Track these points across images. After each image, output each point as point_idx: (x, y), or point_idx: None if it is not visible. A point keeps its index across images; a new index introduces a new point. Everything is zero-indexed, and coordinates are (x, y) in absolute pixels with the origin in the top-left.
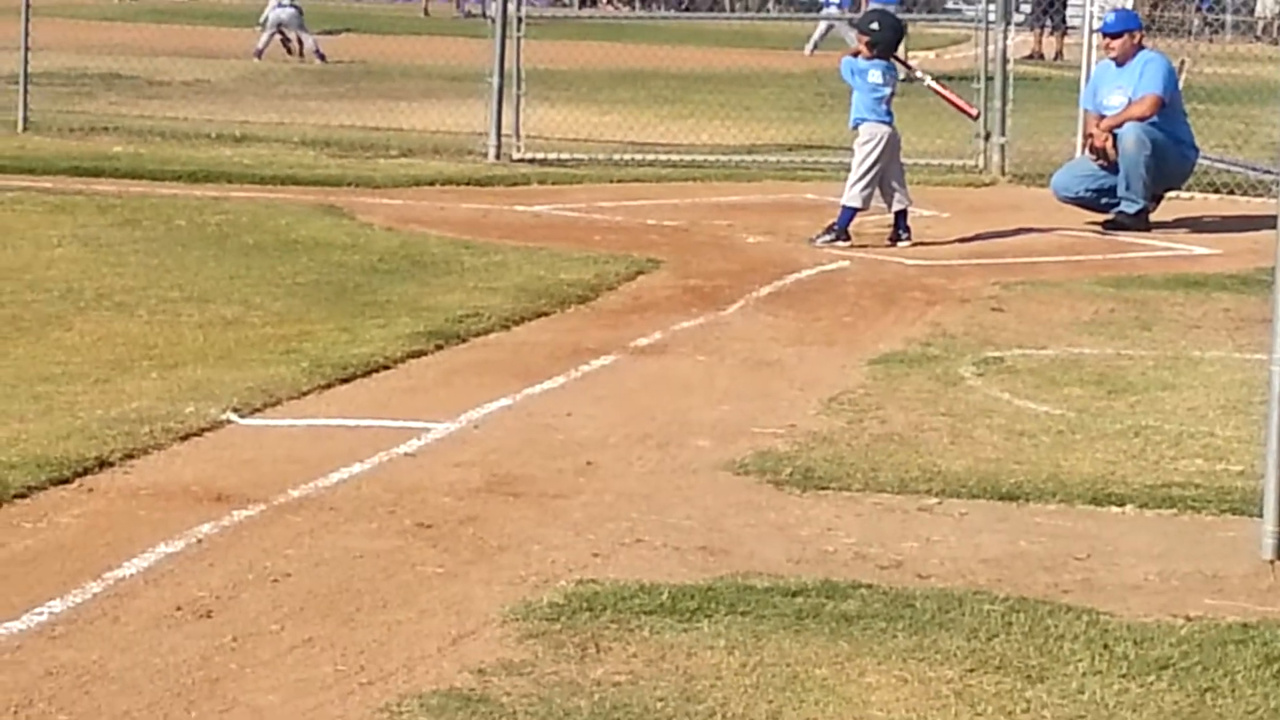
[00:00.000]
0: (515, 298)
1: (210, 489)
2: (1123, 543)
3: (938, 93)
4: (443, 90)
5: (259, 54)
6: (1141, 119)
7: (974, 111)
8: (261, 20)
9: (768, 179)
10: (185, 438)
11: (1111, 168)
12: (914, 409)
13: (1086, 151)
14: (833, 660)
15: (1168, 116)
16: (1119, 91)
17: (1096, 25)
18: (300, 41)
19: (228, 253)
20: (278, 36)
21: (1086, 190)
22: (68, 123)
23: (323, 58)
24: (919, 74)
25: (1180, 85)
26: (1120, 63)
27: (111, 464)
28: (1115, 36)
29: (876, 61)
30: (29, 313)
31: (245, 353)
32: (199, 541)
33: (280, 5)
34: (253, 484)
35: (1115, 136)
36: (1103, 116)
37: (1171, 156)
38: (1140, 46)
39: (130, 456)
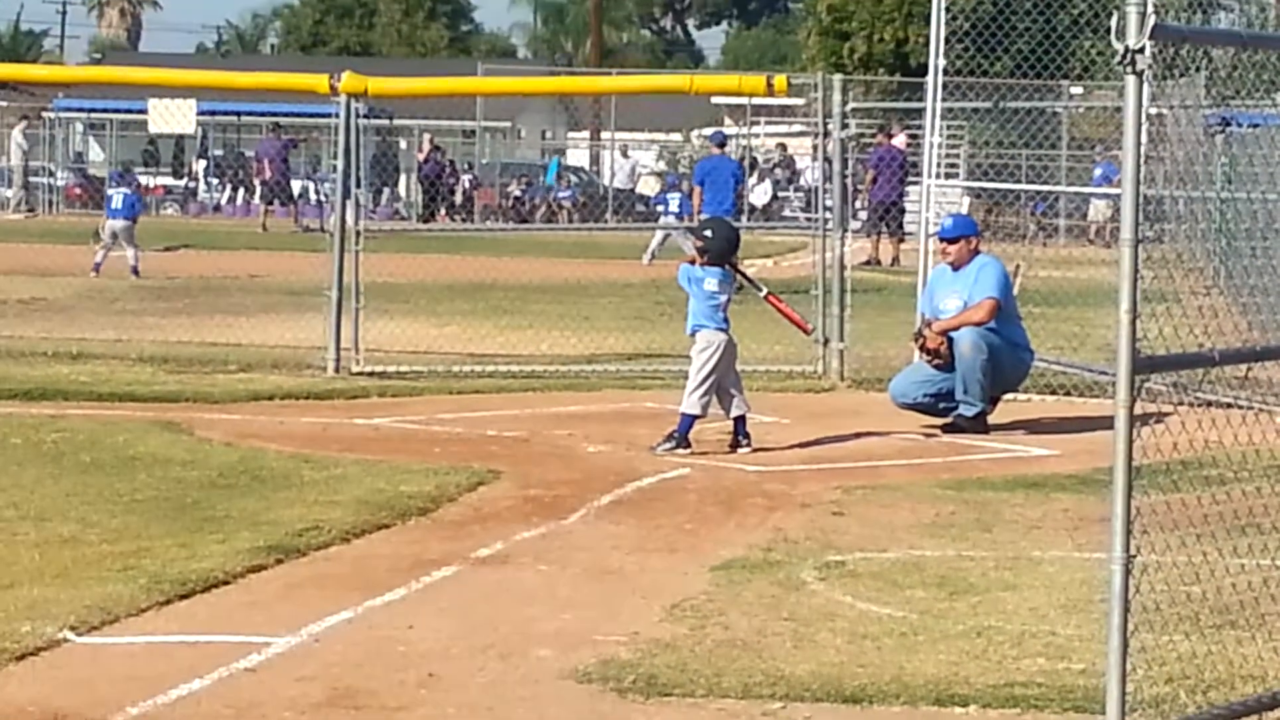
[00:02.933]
0: (356, 511)
1: (47, 709)
2: None
3: (774, 305)
4: (281, 305)
5: (97, 269)
6: (979, 324)
7: (809, 328)
8: (95, 233)
9: (607, 388)
10: (21, 658)
11: (947, 369)
12: (757, 614)
13: (921, 355)
14: None
15: (1003, 320)
16: (954, 295)
17: (933, 231)
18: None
19: (65, 470)
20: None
21: (924, 395)
22: None
23: (136, 273)
24: (757, 284)
25: (1016, 289)
26: (956, 267)
27: None
28: (952, 242)
29: (712, 269)
30: None
31: (82, 570)
32: None
33: (113, 213)
34: (90, 704)
35: (951, 340)
36: (935, 320)
37: (1007, 360)
38: (976, 251)
39: None
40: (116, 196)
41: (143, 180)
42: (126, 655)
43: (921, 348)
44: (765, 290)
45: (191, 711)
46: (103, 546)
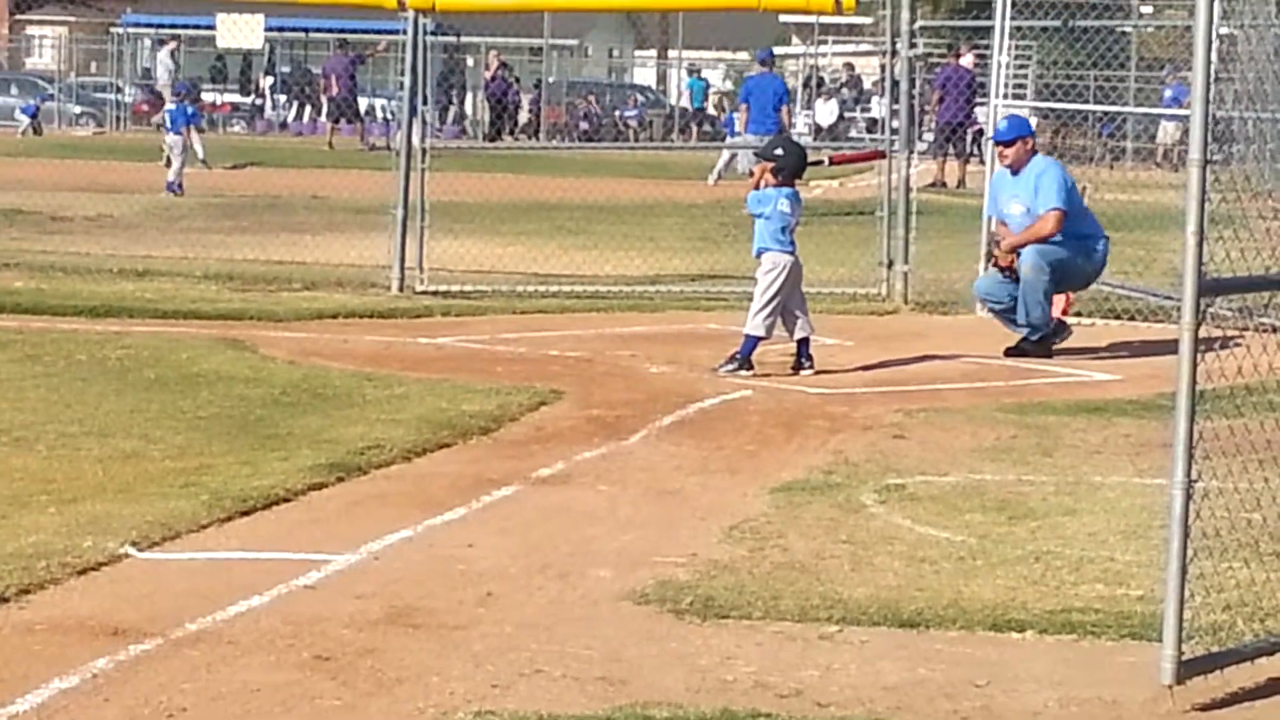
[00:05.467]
0: (417, 429)
1: (107, 624)
2: (1023, 669)
3: (843, 160)
4: (346, 223)
5: (178, 186)
6: (1047, 237)
7: (880, 150)
8: (165, 156)
9: (671, 309)
10: (82, 572)
11: (1018, 281)
12: (815, 537)
13: (992, 268)
14: None
15: (1070, 219)
16: (1016, 200)
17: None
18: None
19: (128, 387)
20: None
21: (1009, 296)
22: None
23: (171, 189)
24: (818, 161)
25: None
26: (1015, 170)
27: (6, 600)
28: (1009, 144)
29: (784, 189)
30: None
31: (144, 487)
32: (94, 677)
33: (172, 127)
34: (150, 619)
35: (1018, 254)
36: (1004, 224)
37: (1080, 261)
38: (1034, 152)
39: (26, 592)
40: (167, 116)
41: (210, 97)
42: (187, 571)
43: (994, 264)
44: (826, 159)
45: (250, 627)
46: (165, 463)
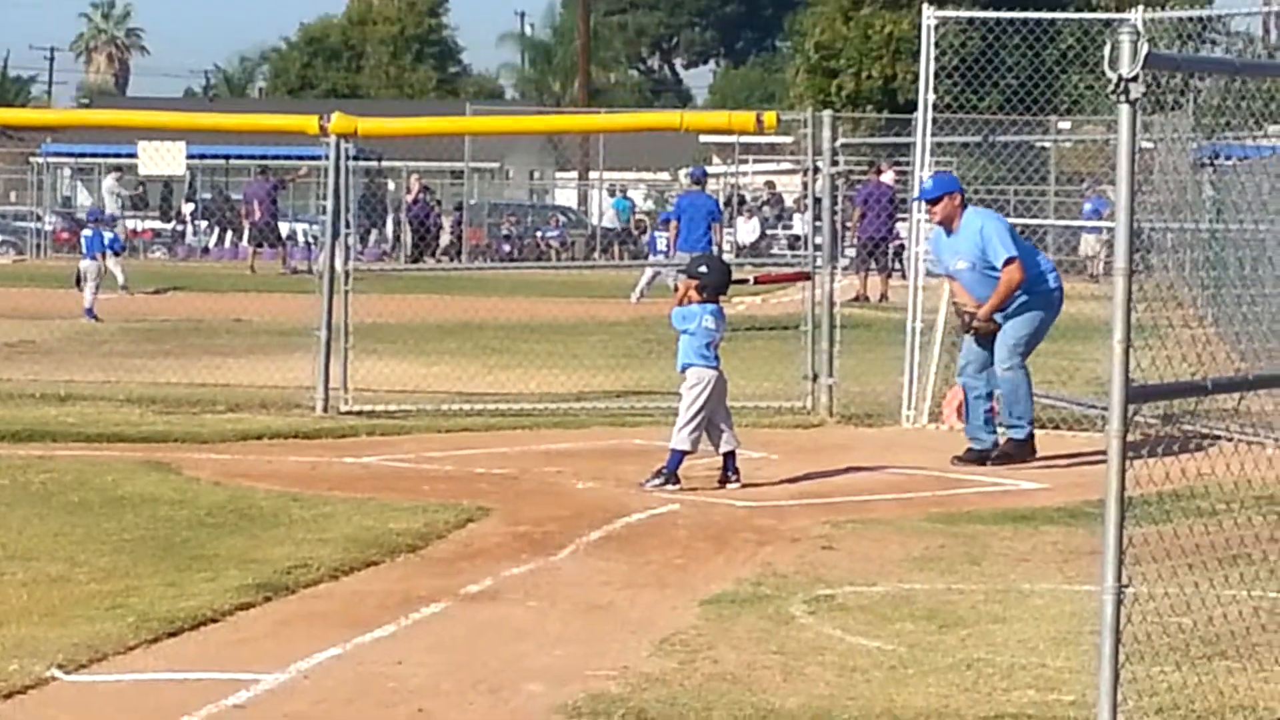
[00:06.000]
0: (345, 548)
1: None
2: None
3: (766, 280)
4: (269, 345)
5: (90, 312)
6: (1015, 289)
7: (806, 271)
8: (77, 279)
9: (596, 425)
10: (9, 695)
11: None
12: (746, 648)
13: (968, 335)
14: None
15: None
16: (958, 257)
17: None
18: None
19: (52, 510)
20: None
21: (988, 389)
22: None
23: (92, 316)
24: (741, 280)
25: None
26: (949, 229)
27: None
28: (934, 201)
29: (708, 306)
30: None
31: (70, 609)
32: None
33: (88, 254)
34: None
35: (995, 319)
36: (953, 278)
37: (1043, 319)
38: (963, 206)
39: None
40: (90, 240)
41: (131, 225)
42: (115, 693)
43: (971, 331)
44: (751, 279)
45: None
46: (91, 585)
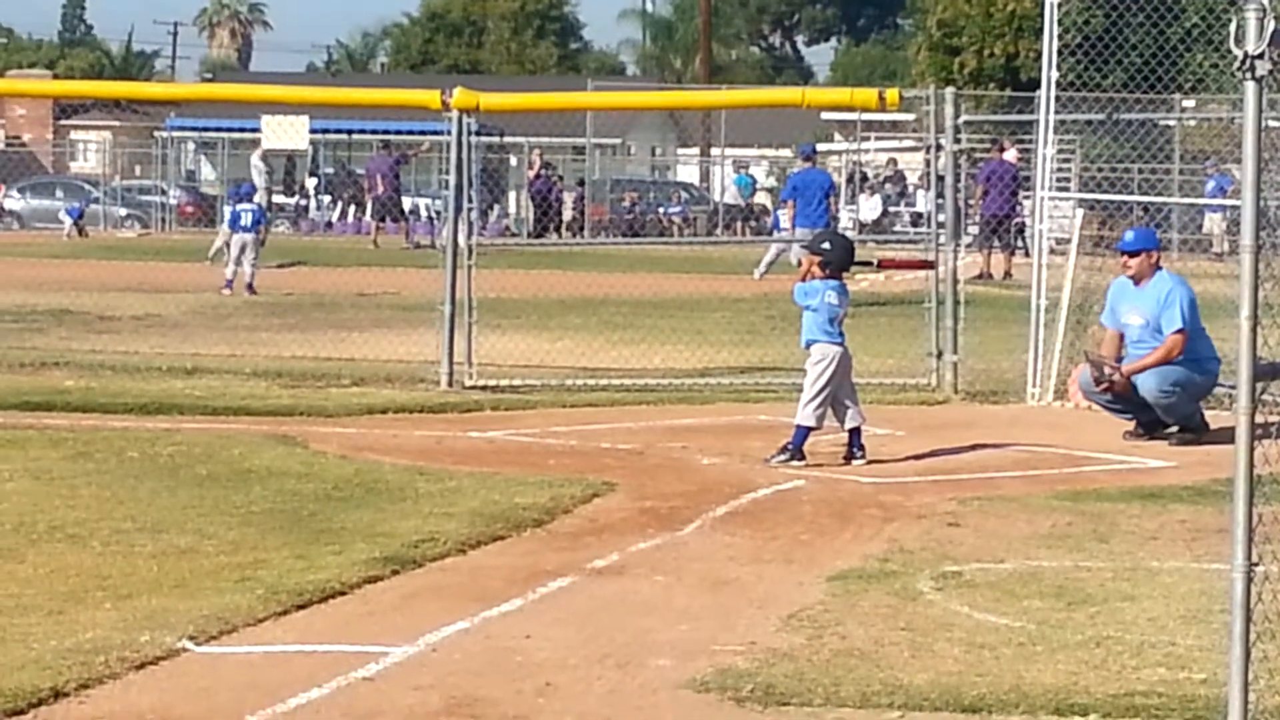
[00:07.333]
0: (471, 522)
1: (167, 717)
2: None
3: (891, 266)
4: (393, 320)
5: (230, 285)
6: (1170, 358)
7: (930, 260)
8: (211, 254)
9: (721, 401)
10: (141, 667)
11: (1121, 402)
12: (873, 624)
13: (1100, 391)
14: None
15: (1190, 338)
16: (1136, 312)
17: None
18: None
19: (181, 483)
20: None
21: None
22: (18, 358)
23: (251, 289)
24: (867, 262)
25: None
26: (1137, 282)
27: (66, 694)
28: (1133, 255)
29: (830, 282)
30: None
31: (200, 582)
32: None
33: (241, 228)
34: (209, 712)
35: (1134, 384)
36: (1122, 335)
37: (1195, 381)
38: (1158, 266)
39: (85, 687)
40: (245, 214)
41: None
42: (245, 664)
43: (1104, 389)
44: (875, 260)
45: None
46: (219, 557)
